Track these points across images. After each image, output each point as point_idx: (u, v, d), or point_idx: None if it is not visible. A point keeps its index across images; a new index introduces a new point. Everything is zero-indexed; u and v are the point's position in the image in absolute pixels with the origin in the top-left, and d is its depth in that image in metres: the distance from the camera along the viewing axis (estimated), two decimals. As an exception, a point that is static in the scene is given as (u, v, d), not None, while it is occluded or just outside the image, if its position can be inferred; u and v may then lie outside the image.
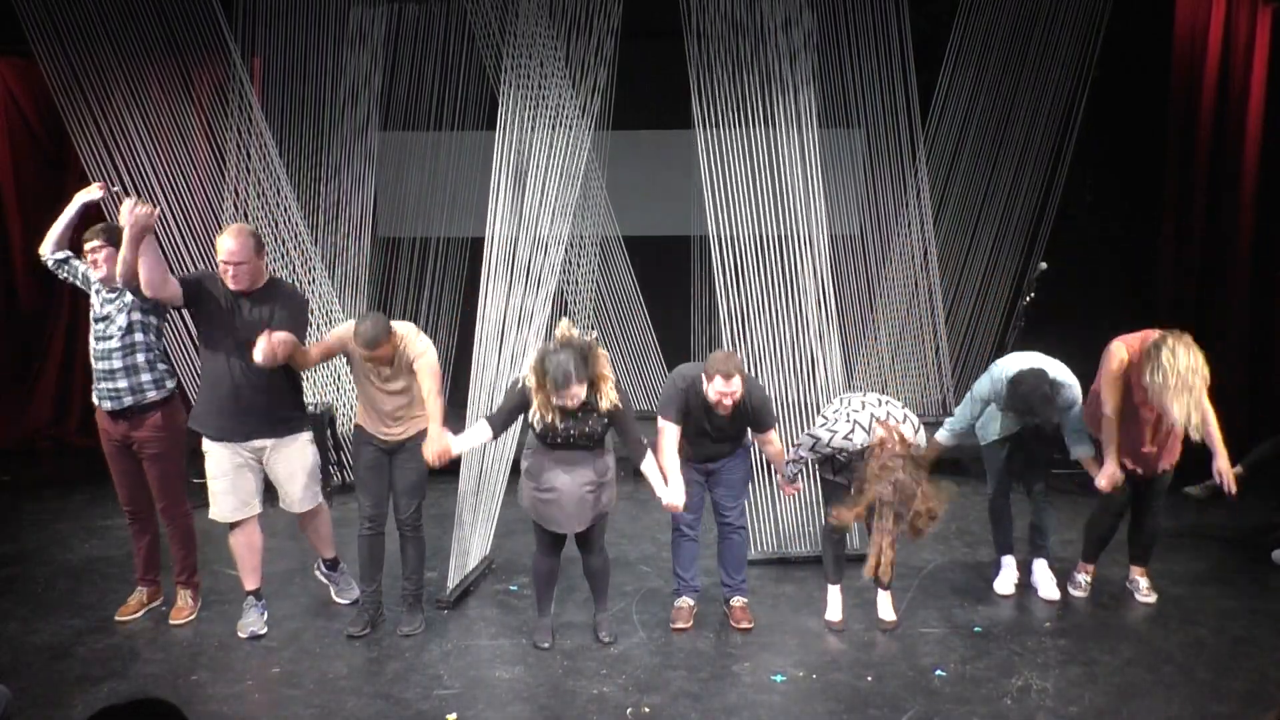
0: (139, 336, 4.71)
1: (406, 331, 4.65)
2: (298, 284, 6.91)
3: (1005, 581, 5.31)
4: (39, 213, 8.18)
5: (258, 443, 4.73)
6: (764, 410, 4.74)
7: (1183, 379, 4.45)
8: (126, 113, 6.77)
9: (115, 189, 4.96)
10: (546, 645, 4.66)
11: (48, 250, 4.90)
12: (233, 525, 4.83)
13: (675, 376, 4.74)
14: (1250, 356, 7.50)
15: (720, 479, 4.84)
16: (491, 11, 6.74)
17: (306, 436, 4.86)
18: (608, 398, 4.37)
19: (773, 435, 4.82)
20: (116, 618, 4.95)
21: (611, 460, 4.61)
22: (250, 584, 4.90)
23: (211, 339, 4.65)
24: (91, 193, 4.98)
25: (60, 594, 5.34)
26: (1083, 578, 5.26)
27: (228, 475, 4.71)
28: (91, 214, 5.12)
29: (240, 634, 4.80)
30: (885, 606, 4.93)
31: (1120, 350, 4.80)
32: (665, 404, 4.67)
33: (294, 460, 4.80)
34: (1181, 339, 4.54)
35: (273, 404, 4.68)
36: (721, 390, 4.51)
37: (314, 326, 6.91)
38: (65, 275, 4.91)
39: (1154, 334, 4.67)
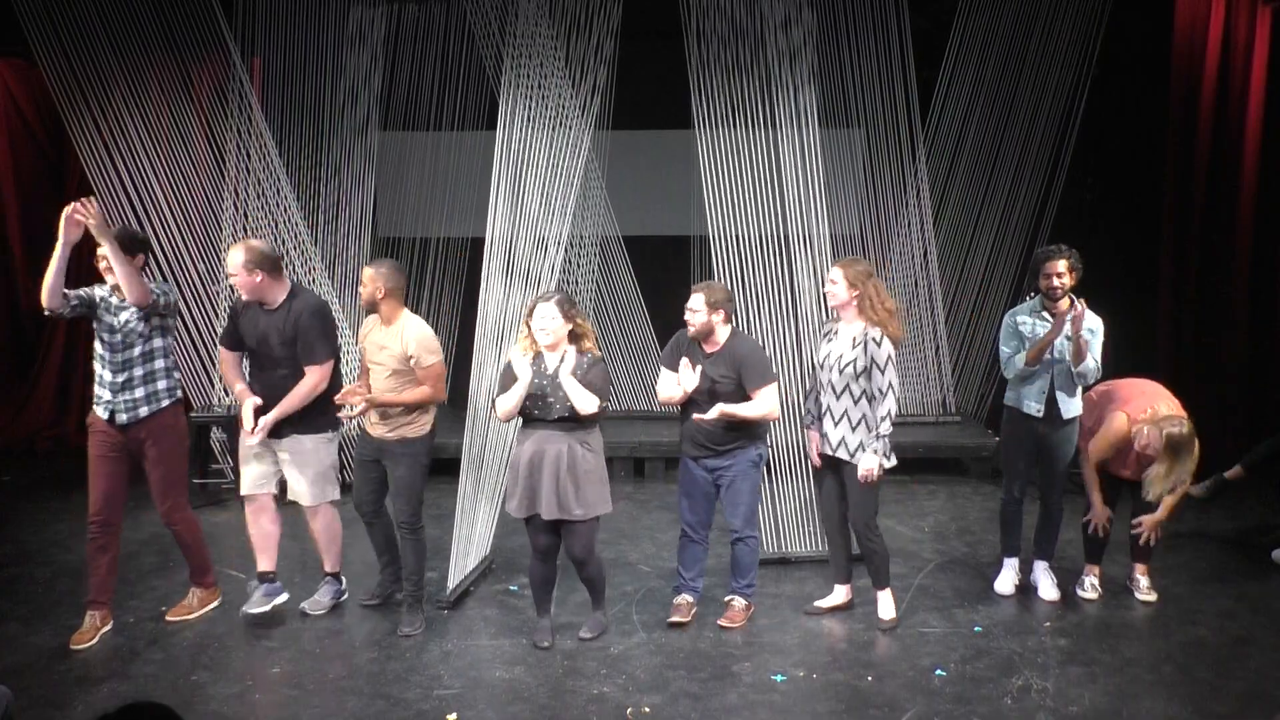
0: (158, 342, 4.74)
1: (424, 328, 4.82)
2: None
3: (1005, 582, 5.31)
4: (39, 213, 8.21)
5: (272, 440, 4.88)
6: (751, 361, 4.69)
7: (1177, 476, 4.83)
8: (126, 113, 6.77)
9: (86, 210, 4.39)
10: (546, 645, 4.66)
11: (54, 302, 4.50)
12: (248, 501, 4.99)
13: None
14: (1250, 357, 7.50)
15: (728, 493, 4.82)
16: (491, 11, 6.74)
17: (321, 437, 4.89)
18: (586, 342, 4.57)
19: (760, 395, 4.64)
20: (71, 645, 4.68)
21: (594, 459, 4.55)
22: (261, 565, 4.95)
23: (243, 344, 4.93)
24: (71, 231, 4.42)
25: (60, 594, 5.33)
26: (1091, 580, 5.24)
27: (248, 457, 4.92)
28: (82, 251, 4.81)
29: (242, 609, 4.83)
30: (886, 605, 4.93)
31: (1123, 422, 4.91)
32: (664, 355, 4.96)
33: (302, 456, 4.87)
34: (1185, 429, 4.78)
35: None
36: (687, 307, 4.71)
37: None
38: (79, 312, 4.65)
39: (1161, 413, 4.85)
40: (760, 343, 5.55)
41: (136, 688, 4.28)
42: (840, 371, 4.67)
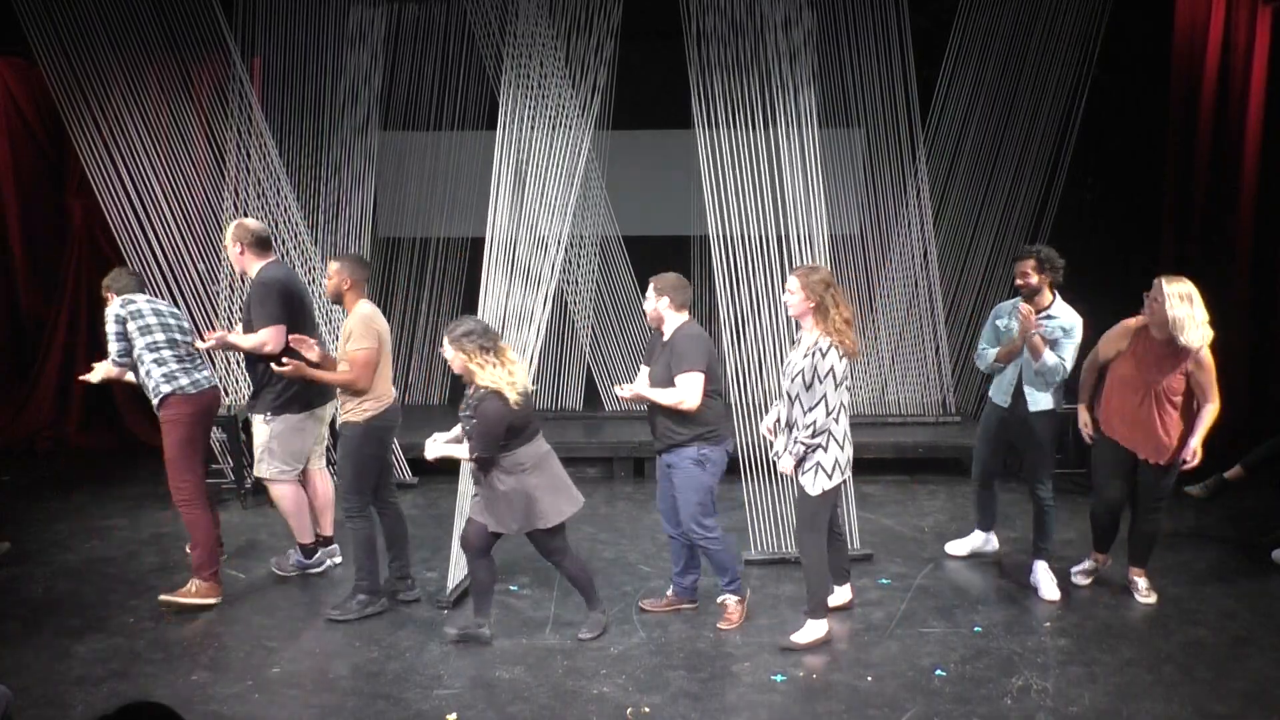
0: (135, 352, 5.06)
1: (365, 312, 4.90)
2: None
3: (960, 544, 5.45)
4: (39, 213, 8.22)
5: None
6: (680, 347, 4.64)
7: (1184, 295, 4.63)
8: (126, 113, 6.77)
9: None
10: (451, 632, 4.69)
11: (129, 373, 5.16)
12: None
13: None
14: (1250, 357, 7.50)
15: (676, 491, 4.79)
16: (491, 11, 6.74)
17: (258, 417, 5.22)
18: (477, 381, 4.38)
19: (679, 380, 4.59)
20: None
21: (513, 481, 4.43)
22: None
23: None
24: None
25: (60, 594, 5.34)
26: (1088, 564, 5.30)
27: None
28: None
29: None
30: (805, 631, 4.71)
31: (1129, 321, 4.97)
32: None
33: (255, 432, 5.33)
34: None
35: (253, 381, 5.27)
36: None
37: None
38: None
39: None
40: (760, 344, 5.56)
41: (136, 688, 4.28)
42: (791, 380, 4.57)
